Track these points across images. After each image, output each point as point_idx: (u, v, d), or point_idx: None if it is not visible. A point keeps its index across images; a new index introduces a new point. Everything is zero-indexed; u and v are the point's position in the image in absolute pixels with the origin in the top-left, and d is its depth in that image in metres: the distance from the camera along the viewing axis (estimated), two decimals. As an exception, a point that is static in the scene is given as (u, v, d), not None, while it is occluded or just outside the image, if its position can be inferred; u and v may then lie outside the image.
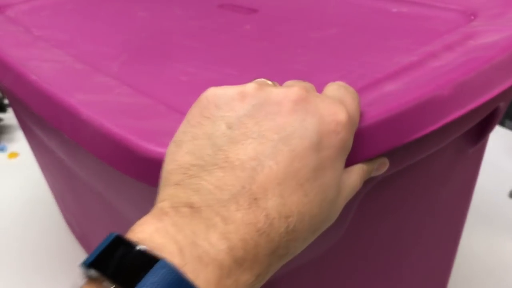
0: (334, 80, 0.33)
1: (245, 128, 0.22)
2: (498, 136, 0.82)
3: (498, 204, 0.75)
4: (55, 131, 0.36)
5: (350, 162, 0.26)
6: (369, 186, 0.31)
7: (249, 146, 0.22)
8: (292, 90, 0.23)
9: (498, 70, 0.33)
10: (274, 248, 0.21)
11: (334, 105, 0.24)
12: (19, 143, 1.01)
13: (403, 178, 0.36)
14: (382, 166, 0.29)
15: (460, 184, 0.46)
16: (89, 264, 0.19)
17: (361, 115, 0.27)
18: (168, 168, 0.23)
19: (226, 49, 0.44)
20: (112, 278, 0.18)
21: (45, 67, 0.38)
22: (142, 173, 0.27)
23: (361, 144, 0.26)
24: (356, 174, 0.26)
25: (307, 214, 0.22)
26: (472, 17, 0.42)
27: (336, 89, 0.26)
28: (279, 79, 0.34)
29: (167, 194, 0.22)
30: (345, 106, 0.24)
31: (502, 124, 0.88)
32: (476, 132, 0.41)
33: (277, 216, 0.21)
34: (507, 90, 0.34)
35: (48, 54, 0.41)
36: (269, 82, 0.26)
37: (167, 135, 0.26)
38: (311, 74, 0.37)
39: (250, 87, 0.24)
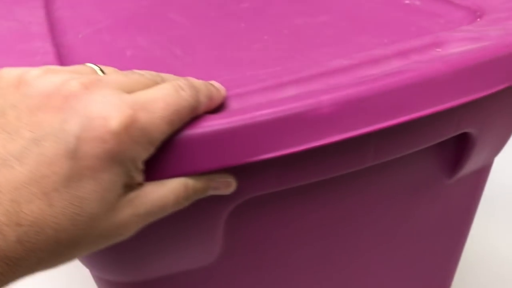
0: (249, 76, 0.29)
1: (5, 120, 0.20)
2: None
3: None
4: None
5: (161, 175, 0.22)
6: (233, 203, 0.27)
7: None
8: (69, 83, 0.20)
9: (432, 88, 0.26)
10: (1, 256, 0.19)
11: (113, 108, 0.20)
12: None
13: (320, 199, 0.31)
14: (224, 185, 0.24)
15: (446, 214, 0.38)
16: None
17: (196, 123, 0.23)
18: None
19: (201, 26, 0.41)
20: None
21: (4, 26, 0.39)
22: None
23: (183, 156, 0.22)
24: (170, 190, 0.22)
25: (49, 226, 0.19)
26: (478, 19, 0.34)
27: (161, 88, 0.22)
28: (217, 67, 0.31)
29: None
30: (142, 111, 0.20)
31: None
32: (451, 163, 0.33)
33: (8, 223, 0.19)
34: (456, 111, 0.27)
35: (26, 14, 0.42)
36: (94, 68, 0.23)
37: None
38: (245, 66, 0.33)
39: (32, 72, 0.21)
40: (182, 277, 0.32)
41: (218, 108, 0.25)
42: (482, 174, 0.37)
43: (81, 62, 0.34)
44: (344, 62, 0.29)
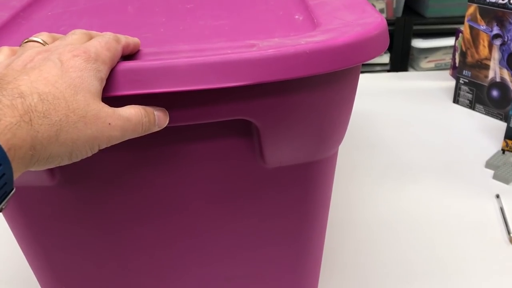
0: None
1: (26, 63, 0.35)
2: (472, 118, 1.15)
3: (475, 173, 0.95)
4: None
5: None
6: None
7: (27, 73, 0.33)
8: (34, 51, 0.36)
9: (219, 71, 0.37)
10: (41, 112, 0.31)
11: (72, 47, 0.35)
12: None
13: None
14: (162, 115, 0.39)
15: (281, 202, 0.49)
16: None
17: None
18: None
19: (137, 16, 0.52)
20: None
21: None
22: None
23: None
24: (134, 109, 0.37)
25: (60, 97, 0.32)
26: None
27: (94, 39, 0.37)
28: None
29: None
30: (89, 47, 0.35)
31: (473, 108, 1.18)
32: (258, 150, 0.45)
33: (39, 98, 0.31)
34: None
35: None
36: (40, 40, 0.38)
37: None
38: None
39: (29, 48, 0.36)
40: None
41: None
42: (313, 168, 0.47)
43: (35, 29, 0.48)
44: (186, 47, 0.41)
